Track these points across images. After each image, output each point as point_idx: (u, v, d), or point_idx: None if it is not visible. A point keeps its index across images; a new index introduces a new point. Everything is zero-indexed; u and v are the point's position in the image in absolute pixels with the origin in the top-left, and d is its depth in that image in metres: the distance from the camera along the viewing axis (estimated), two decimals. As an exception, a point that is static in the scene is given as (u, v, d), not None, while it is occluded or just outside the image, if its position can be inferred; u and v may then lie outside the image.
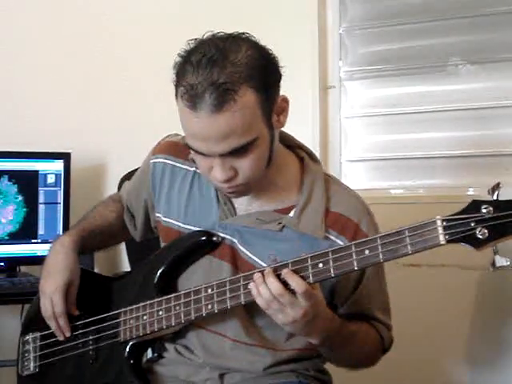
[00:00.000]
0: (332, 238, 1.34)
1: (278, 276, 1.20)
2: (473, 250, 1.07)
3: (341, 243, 1.31)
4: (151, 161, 1.52)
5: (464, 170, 2.34)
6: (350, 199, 1.40)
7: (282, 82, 1.30)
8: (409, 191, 2.42)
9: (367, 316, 1.41)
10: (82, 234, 1.52)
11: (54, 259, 1.47)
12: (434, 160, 2.38)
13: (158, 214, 1.51)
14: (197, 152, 1.26)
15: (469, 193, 2.25)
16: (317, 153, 2.37)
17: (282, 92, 2.36)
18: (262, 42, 1.28)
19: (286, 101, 1.31)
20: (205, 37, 1.27)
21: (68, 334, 1.48)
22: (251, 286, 1.23)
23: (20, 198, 2.39)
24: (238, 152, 1.23)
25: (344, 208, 1.36)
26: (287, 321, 1.21)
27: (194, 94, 1.19)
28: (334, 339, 1.30)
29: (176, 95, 1.25)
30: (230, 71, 1.19)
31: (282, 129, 1.39)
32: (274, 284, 1.19)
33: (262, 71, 1.23)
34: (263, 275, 1.21)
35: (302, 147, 1.45)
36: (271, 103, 1.27)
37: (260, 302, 1.22)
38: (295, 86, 2.41)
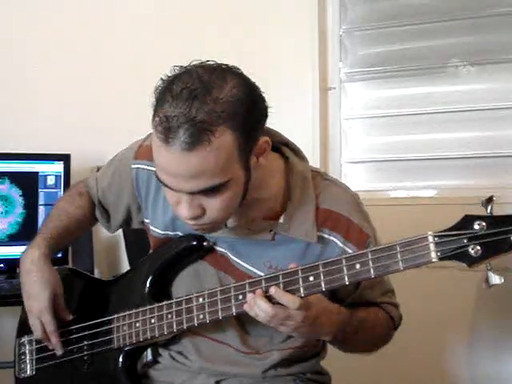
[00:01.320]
0: (325, 236, 1.31)
1: (270, 288, 1.19)
2: (465, 267, 1.04)
3: (334, 240, 1.30)
4: (133, 166, 1.45)
5: (465, 172, 2.34)
6: (338, 192, 1.36)
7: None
8: (409, 193, 2.41)
9: (373, 303, 1.40)
10: (49, 241, 1.45)
11: (28, 279, 1.42)
12: (434, 161, 2.38)
13: (146, 220, 1.47)
14: (165, 185, 1.20)
15: (469, 194, 2.24)
16: (317, 154, 2.43)
17: (282, 93, 2.38)
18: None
19: (267, 143, 1.23)
20: (191, 65, 1.19)
21: (60, 352, 1.45)
22: (246, 307, 1.21)
23: (21, 199, 2.40)
24: (208, 192, 1.17)
25: (333, 203, 1.33)
26: (291, 330, 1.21)
27: (168, 127, 1.11)
28: (345, 331, 1.29)
29: (152, 122, 1.17)
30: (210, 109, 1.11)
31: (273, 127, 1.34)
32: (263, 306, 1.17)
33: (245, 112, 1.15)
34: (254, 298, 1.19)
35: (287, 143, 1.38)
36: (251, 145, 1.19)
37: (260, 320, 1.20)
38: (295, 87, 2.45)
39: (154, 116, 1.16)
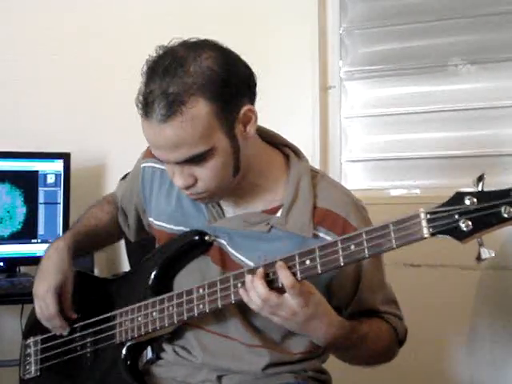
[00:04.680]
0: (321, 235, 1.32)
1: (268, 275, 1.20)
2: (457, 242, 1.05)
3: (330, 240, 1.29)
4: (142, 165, 1.52)
5: (465, 170, 2.33)
6: (337, 194, 1.38)
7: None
8: (409, 191, 2.42)
9: (375, 311, 1.40)
10: (76, 237, 1.52)
11: (47, 263, 1.47)
12: (434, 160, 2.38)
13: (150, 218, 1.51)
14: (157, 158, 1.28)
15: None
16: (317, 153, 2.43)
17: (282, 92, 2.38)
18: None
19: (252, 111, 1.27)
20: (171, 43, 1.25)
21: (65, 332, 1.48)
22: (241, 292, 1.22)
23: (21, 200, 2.40)
24: (194, 161, 1.23)
25: (331, 203, 1.34)
26: (281, 321, 1.22)
27: (145, 102, 1.20)
28: (342, 344, 1.29)
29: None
30: (182, 81, 1.18)
31: (273, 126, 1.39)
32: (259, 288, 1.19)
33: (220, 82, 1.20)
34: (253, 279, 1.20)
35: (287, 145, 1.42)
36: (232, 114, 1.24)
37: (252, 307, 1.22)
38: (295, 86, 2.45)
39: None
